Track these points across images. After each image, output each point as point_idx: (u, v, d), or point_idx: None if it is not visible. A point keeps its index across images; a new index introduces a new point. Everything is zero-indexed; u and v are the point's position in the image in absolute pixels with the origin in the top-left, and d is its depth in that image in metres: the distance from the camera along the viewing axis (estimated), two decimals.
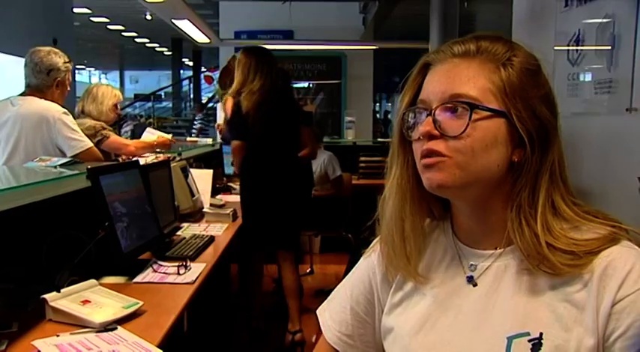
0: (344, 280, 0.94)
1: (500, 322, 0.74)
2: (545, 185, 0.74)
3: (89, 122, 3.24)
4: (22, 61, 2.87)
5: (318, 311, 0.95)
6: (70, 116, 2.83)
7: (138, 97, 19.34)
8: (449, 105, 0.74)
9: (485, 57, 0.75)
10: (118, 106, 3.46)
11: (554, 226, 0.73)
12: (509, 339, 0.72)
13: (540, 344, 0.70)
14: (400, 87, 0.82)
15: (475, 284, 0.79)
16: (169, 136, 3.59)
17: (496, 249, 0.78)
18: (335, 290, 0.95)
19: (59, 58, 2.83)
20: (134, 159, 2.78)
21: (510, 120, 0.73)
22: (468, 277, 0.79)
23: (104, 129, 3.24)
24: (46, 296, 1.37)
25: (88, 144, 2.82)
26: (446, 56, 0.77)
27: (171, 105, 19.18)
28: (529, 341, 0.71)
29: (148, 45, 18.36)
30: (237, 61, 3.14)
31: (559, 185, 0.75)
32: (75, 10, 7.37)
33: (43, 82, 2.79)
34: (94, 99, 3.32)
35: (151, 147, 3.34)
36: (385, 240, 0.85)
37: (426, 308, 0.81)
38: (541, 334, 0.71)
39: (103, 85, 3.52)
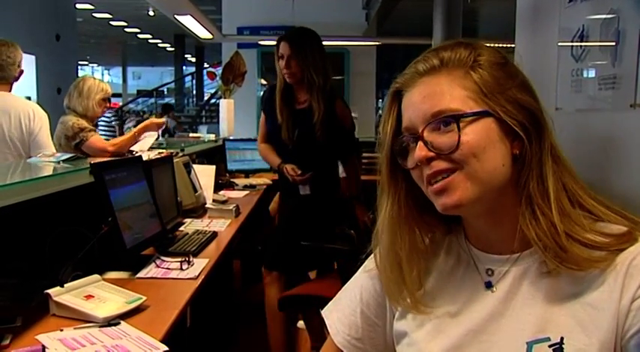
0: (350, 281, 0.93)
1: (520, 327, 0.73)
2: (552, 170, 0.73)
3: (71, 121, 3.09)
4: (26, 57, 2.88)
5: (324, 312, 0.93)
6: None
7: (140, 93, 19.38)
8: (434, 124, 0.73)
9: (451, 66, 0.75)
10: (107, 101, 3.29)
11: (572, 213, 0.72)
12: (530, 344, 0.71)
13: (561, 349, 0.70)
14: (377, 120, 0.82)
15: (494, 290, 0.77)
16: (158, 120, 3.38)
17: (513, 252, 0.77)
18: (342, 290, 0.93)
19: (20, 50, 2.84)
20: (137, 154, 2.79)
21: (497, 117, 0.72)
22: (486, 283, 0.78)
23: (83, 130, 3.06)
24: (49, 291, 1.38)
25: None
26: (413, 78, 0.77)
27: (173, 101, 19.19)
28: (550, 346, 0.70)
29: (150, 41, 18.38)
30: (316, 48, 2.63)
31: (567, 168, 0.74)
32: (77, 5, 7.38)
33: (12, 74, 2.81)
34: (79, 94, 3.17)
35: (131, 140, 3.13)
36: (383, 274, 0.83)
37: (442, 314, 0.80)
38: (562, 339, 0.70)
39: (90, 78, 3.33)
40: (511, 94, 0.73)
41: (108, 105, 3.36)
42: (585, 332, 0.69)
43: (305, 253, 2.58)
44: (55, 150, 2.82)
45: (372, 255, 0.89)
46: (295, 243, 2.58)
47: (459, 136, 0.71)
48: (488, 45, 0.78)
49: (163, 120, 3.41)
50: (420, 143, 0.74)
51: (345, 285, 0.93)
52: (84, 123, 3.10)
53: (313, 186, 2.67)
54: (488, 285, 0.78)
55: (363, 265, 0.91)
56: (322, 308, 0.94)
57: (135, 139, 3.11)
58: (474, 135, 0.72)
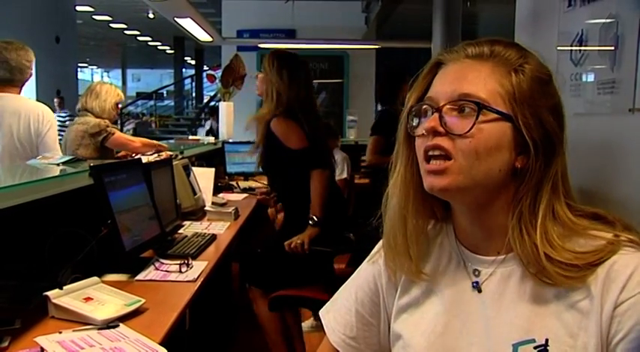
0: (347, 282, 0.94)
1: (506, 329, 0.74)
2: (547, 195, 0.74)
3: (93, 120, 3.31)
4: None
5: (321, 313, 0.94)
6: None
7: (140, 96, 19.38)
8: (456, 104, 0.74)
9: (498, 61, 0.75)
10: (119, 106, 3.54)
11: (553, 236, 0.73)
12: (515, 346, 0.72)
13: (546, 351, 0.70)
14: (410, 84, 0.83)
15: (480, 290, 0.78)
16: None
17: (498, 253, 0.78)
18: (338, 291, 0.94)
19: (32, 53, 2.87)
20: (136, 156, 2.80)
21: (516, 126, 0.73)
22: (473, 283, 0.79)
23: (108, 126, 3.31)
24: (48, 293, 1.38)
25: None
26: (459, 56, 0.78)
27: (173, 103, 19.19)
28: (535, 348, 0.71)
29: (150, 43, 18.41)
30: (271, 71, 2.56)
31: (560, 197, 0.75)
32: (77, 8, 7.38)
33: (25, 77, 2.83)
34: (97, 97, 3.39)
35: (154, 147, 3.38)
36: (388, 238, 0.84)
37: (433, 314, 0.81)
38: (547, 340, 0.71)
39: (106, 83, 3.59)
40: (538, 111, 0.74)
41: (119, 110, 3.60)
42: (570, 335, 0.70)
43: (283, 269, 2.51)
44: (61, 153, 2.86)
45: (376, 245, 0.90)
46: (273, 260, 2.54)
47: (474, 125, 0.72)
48: (540, 59, 0.78)
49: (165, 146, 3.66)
50: (436, 115, 0.75)
51: (343, 285, 0.94)
52: (106, 121, 3.33)
53: (285, 207, 2.71)
54: (475, 285, 0.79)
55: (368, 257, 0.92)
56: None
57: (155, 147, 3.32)
58: (486, 134, 0.72)
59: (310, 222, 2.47)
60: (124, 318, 1.35)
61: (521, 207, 0.74)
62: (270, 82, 2.53)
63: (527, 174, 0.74)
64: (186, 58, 20.17)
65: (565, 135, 0.77)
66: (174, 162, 2.63)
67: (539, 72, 0.76)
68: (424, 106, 0.78)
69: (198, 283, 1.69)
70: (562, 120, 0.77)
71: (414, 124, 0.79)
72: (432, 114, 0.75)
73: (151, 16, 11.31)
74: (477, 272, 0.79)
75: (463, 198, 0.77)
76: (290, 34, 7.12)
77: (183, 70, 20.25)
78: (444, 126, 0.74)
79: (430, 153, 0.75)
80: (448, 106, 0.74)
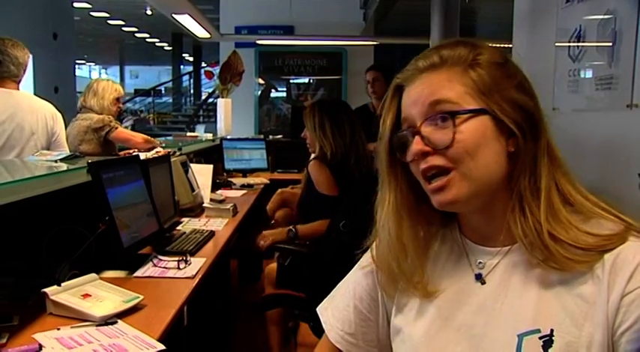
0: (346, 278, 0.94)
1: (511, 320, 0.74)
2: (546, 169, 0.74)
3: (96, 116, 3.36)
4: None
5: (319, 309, 0.94)
6: None
7: (138, 92, 19.34)
8: (431, 118, 0.74)
9: (451, 63, 0.76)
10: (120, 100, 3.57)
11: (561, 212, 0.73)
12: (520, 337, 0.72)
13: (551, 341, 0.70)
14: (379, 112, 0.83)
15: (484, 282, 0.78)
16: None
17: (505, 245, 0.78)
18: (336, 287, 0.94)
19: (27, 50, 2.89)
20: (134, 153, 2.80)
21: (494, 115, 0.74)
22: (476, 275, 0.79)
23: (111, 121, 3.36)
24: (46, 289, 1.38)
25: None
26: (414, 73, 0.78)
27: (171, 100, 19.16)
28: (540, 338, 0.71)
29: (148, 40, 18.34)
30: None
31: (561, 166, 0.75)
32: (75, 4, 7.36)
33: (21, 73, 2.85)
34: (94, 94, 3.43)
35: (154, 144, 3.40)
36: (393, 263, 0.83)
37: (434, 308, 0.81)
38: (552, 330, 0.71)
39: (103, 79, 3.63)
40: (508, 94, 0.74)
41: (120, 105, 3.63)
42: (575, 325, 0.70)
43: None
44: (69, 151, 2.89)
45: (368, 251, 0.89)
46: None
47: (454, 133, 0.73)
48: (490, 45, 0.79)
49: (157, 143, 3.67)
50: (417, 137, 0.75)
51: (340, 282, 0.94)
52: (110, 117, 3.40)
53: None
54: (478, 277, 0.79)
55: (359, 262, 0.92)
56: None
57: (157, 145, 3.35)
58: (469, 134, 0.73)
59: (289, 232, 2.62)
60: (122, 315, 1.35)
61: (520, 187, 0.74)
62: (316, 137, 2.70)
63: (521, 154, 0.74)
64: (184, 55, 20.10)
65: (540, 104, 0.77)
66: (173, 159, 2.62)
67: (494, 57, 0.77)
68: (403, 132, 0.78)
69: (197, 279, 1.69)
70: (532, 93, 0.77)
71: (401, 150, 0.79)
72: (413, 136, 0.76)
73: (148, 12, 11.26)
74: (480, 264, 0.79)
75: (475, 204, 0.77)
76: (288, 31, 7.09)
77: (181, 66, 20.20)
78: (429, 144, 0.74)
79: (429, 174, 0.75)
80: (425, 124, 0.75)
